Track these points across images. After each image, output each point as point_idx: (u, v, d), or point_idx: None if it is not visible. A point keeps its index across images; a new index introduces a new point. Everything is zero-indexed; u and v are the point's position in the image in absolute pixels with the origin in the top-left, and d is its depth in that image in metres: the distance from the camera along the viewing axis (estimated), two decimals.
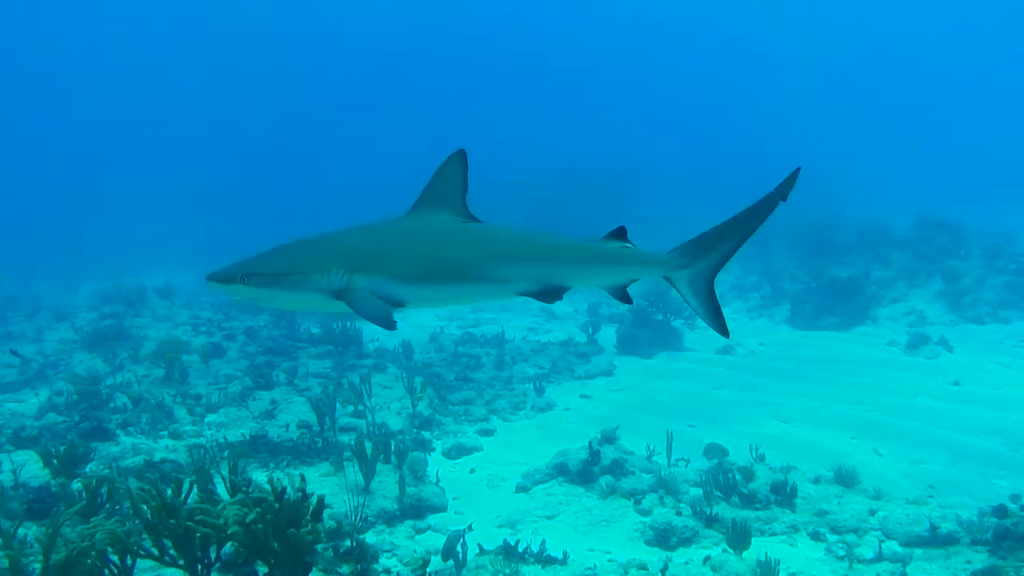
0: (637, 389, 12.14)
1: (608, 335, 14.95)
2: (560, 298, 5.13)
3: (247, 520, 3.90)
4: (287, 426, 9.43)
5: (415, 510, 7.41)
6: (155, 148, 66.12)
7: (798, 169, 5.03)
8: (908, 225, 21.60)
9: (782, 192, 5.07)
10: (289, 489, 4.42)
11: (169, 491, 4.41)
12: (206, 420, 9.95)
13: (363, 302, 4.61)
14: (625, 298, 5.52)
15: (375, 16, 71.46)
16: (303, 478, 4.54)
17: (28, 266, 25.55)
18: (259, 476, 7.58)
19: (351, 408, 10.01)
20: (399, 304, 4.73)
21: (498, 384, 11.94)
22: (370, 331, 13.41)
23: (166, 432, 9.37)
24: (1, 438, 8.93)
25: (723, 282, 19.97)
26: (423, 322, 17.80)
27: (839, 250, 19.88)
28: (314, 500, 4.53)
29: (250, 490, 4.59)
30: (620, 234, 5.42)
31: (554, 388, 12.03)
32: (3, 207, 47.99)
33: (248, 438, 8.58)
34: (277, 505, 4.07)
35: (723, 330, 5.48)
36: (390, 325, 4.58)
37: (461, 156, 5.24)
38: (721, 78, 73.03)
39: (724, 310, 16.10)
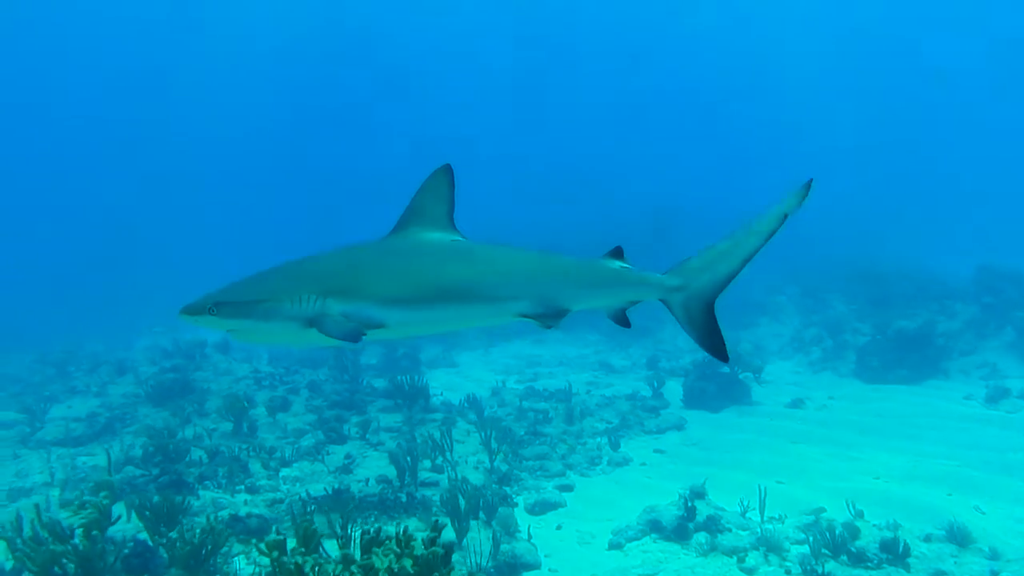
0: (712, 443, 11.83)
1: (673, 389, 14.69)
2: (558, 322, 4.89)
3: (407, 569, 3.71)
4: (367, 481, 9.26)
5: (510, 567, 7.18)
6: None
7: (810, 181, 4.75)
8: (966, 274, 21.24)
9: (791, 206, 4.80)
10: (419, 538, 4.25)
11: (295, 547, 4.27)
12: (281, 474, 9.78)
13: (333, 325, 4.33)
14: (624, 321, 5.34)
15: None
16: (437, 524, 4.34)
17: (81, 321, 25.77)
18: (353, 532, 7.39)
19: (428, 463, 9.82)
20: (379, 326, 4.45)
21: (569, 438, 11.69)
22: (435, 385, 13.29)
23: (243, 486, 9.22)
24: (82, 492, 8.85)
25: (782, 335, 19.78)
26: (480, 376, 17.65)
27: (899, 301, 19.51)
28: (441, 548, 4.35)
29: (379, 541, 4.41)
30: (617, 254, 5.19)
31: (627, 443, 11.76)
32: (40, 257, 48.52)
33: (331, 492, 8.42)
34: (421, 553, 3.90)
35: (721, 355, 5.20)
36: (355, 338, 4.38)
37: (447, 171, 5.02)
38: (761, 119, 72.49)
39: (784, 364, 15.81)
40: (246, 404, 11.52)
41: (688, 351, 18.93)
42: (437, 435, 10.25)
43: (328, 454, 10.38)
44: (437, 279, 4.68)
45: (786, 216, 4.83)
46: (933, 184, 53.69)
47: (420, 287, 4.62)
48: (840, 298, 21.55)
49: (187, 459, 9.54)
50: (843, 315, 19.52)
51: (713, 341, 5.17)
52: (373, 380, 14.50)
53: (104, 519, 5.43)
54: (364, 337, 4.49)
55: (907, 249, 29.28)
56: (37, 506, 8.17)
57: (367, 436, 11.07)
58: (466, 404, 13.23)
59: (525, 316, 4.85)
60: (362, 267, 4.67)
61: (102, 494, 5.69)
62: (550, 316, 4.87)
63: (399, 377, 12.78)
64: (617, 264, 5.19)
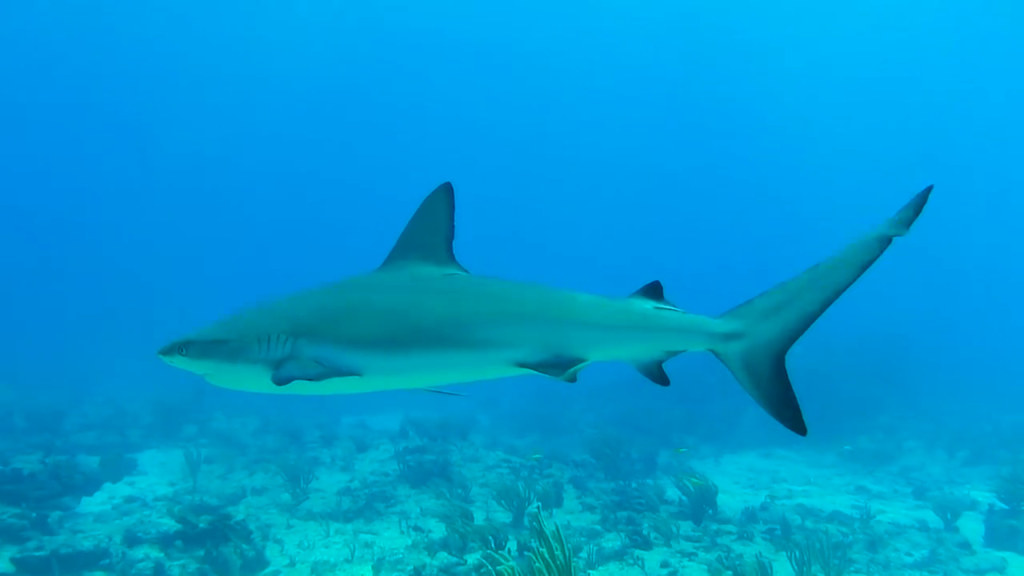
0: None
1: (968, 525, 13.06)
2: (565, 372, 3.87)
3: None
4: None
5: None
6: None
7: (928, 189, 3.57)
8: None
9: (901, 223, 3.62)
10: None
11: None
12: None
13: (297, 370, 3.68)
14: (660, 377, 4.15)
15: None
16: None
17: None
18: None
19: None
20: (354, 374, 3.68)
21: (877, 568, 10.39)
22: (672, 494, 12.30)
23: None
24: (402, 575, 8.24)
25: None
26: (724, 487, 16.42)
27: None
28: None
29: None
30: (653, 291, 4.15)
31: None
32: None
33: None
34: None
35: (798, 426, 3.91)
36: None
37: (446, 191, 4.17)
38: None
39: None
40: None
41: (946, 481, 17.33)
42: (799, 550, 9.12)
43: (640, 560, 9.43)
44: (422, 319, 3.86)
45: (890, 240, 3.67)
46: None
47: (402, 329, 3.82)
48: None
49: (501, 552, 8.78)
50: None
51: (786, 405, 3.96)
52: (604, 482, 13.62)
53: None
54: (342, 390, 3.88)
55: None
56: None
57: (671, 543, 10.09)
58: (744, 517, 12.11)
59: (523, 365, 3.89)
60: (340, 305, 3.96)
61: None
62: (557, 366, 3.90)
63: (685, 481, 11.78)
64: (651, 304, 4.14)
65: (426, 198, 4.21)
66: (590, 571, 9.14)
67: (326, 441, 16.41)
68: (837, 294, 3.89)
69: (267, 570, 9.38)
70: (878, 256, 3.74)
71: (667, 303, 4.18)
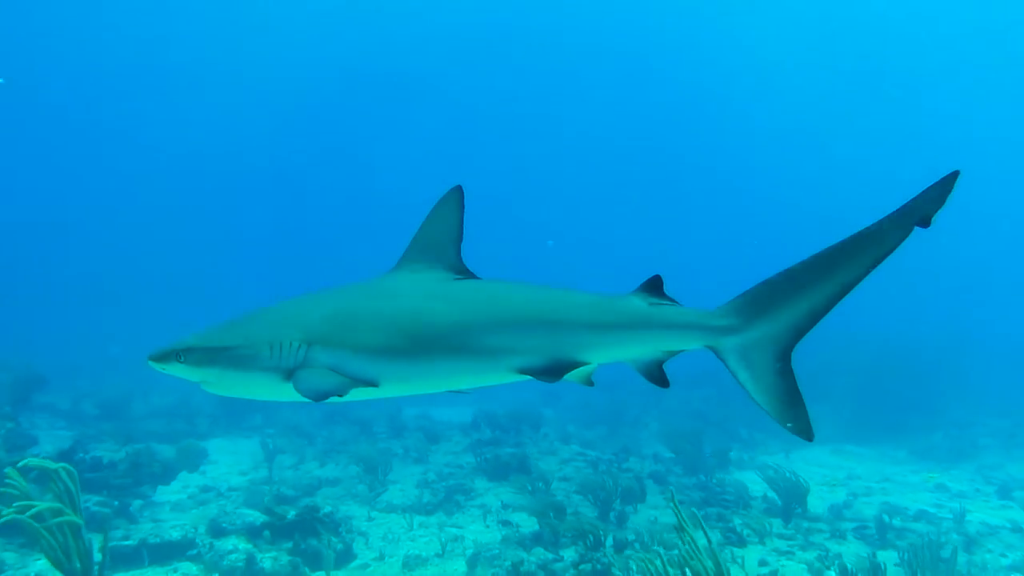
0: None
1: None
2: (562, 376, 3.71)
3: None
4: None
5: None
6: None
7: (954, 175, 3.09)
8: None
9: (922, 210, 3.16)
10: None
11: None
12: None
13: (314, 379, 3.47)
14: (661, 380, 3.89)
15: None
16: None
17: None
18: None
19: None
20: (371, 385, 3.47)
21: (976, 570, 10.02)
22: (756, 489, 11.98)
23: None
24: (500, 572, 8.07)
25: None
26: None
27: None
28: None
29: None
30: (653, 287, 3.89)
31: None
32: None
33: None
34: None
35: (804, 430, 3.57)
36: (340, 392, 3.48)
37: (457, 194, 4.06)
38: None
39: None
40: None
41: None
42: (908, 553, 8.85)
43: (740, 559, 9.19)
44: (429, 326, 3.74)
45: (911, 229, 3.22)
46: None
47: (411, 336, 3.69)
48: None
49: (601, 548, 8.59)
50: None
51: (790, 408, 3.58)
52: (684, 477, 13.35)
53: None
54: (354, 397, 3.64)
55: None
56: None
57: (765, 541, 9.84)
58: (831, 515, 11.80)
59: (524, 371, 3.73)
60: (352, 311, 3.82)
61: None
62: (557, 371, 3.72)
63: (778, 480, 11.48)
64: (647, 301, 3.89)
65: (438, 202, 4.14)
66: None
67: (395, 432, 16.34)
68: (848, 288, 3.51)
69: (355, 563, 9.26)
70: (897, 246, 3.33)
71: (668, 299, 3.96)
